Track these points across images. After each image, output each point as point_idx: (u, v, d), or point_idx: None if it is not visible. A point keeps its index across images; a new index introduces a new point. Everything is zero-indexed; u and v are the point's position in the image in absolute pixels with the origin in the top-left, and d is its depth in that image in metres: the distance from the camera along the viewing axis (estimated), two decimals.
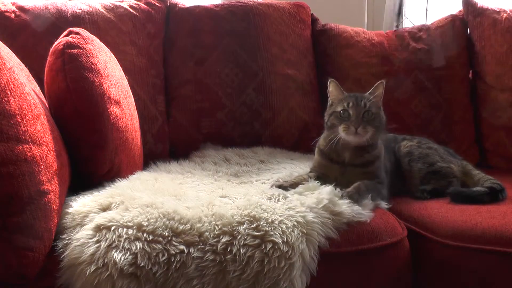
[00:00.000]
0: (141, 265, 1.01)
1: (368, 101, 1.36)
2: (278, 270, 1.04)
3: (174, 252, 1.03)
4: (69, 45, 1.25)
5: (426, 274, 1.26)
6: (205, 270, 1.02)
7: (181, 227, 1.07)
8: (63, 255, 1.04)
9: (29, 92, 1.09)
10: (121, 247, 1.02)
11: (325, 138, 1.44)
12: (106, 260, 1.01)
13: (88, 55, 1.27)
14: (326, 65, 2.03)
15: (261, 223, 1.09)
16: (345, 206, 1.22)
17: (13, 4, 1.73)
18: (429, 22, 2.23)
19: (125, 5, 1.86)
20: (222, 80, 1.88)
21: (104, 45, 1.44)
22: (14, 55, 1.21)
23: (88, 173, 1.30)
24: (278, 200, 1.23)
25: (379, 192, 1.36)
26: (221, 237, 1.06)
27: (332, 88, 1.43)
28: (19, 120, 1.01)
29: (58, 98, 1.26)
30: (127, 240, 1.03)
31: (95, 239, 1.04)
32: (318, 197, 1.23)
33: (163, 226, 1.07)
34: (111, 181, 1.31)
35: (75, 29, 1.32)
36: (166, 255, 1.03)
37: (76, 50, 1.25)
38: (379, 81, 1.40)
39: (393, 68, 1.99)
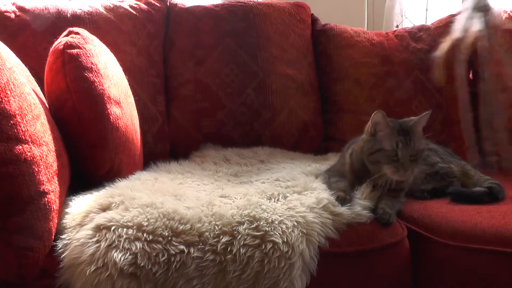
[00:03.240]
0: (141, 265, 1.01)
1: (417, 140, 1.31)
2: (278, 270, 1.04)
3: (174, 252, 1.03)
4: (69, 45, 1.25)
5: (426, 274, 1.26)
6: (205, 270, 1.03)
7: (181, 227, 1.07)
8: (63, 255, 1.04)
9: (29, 92, 1.09)
10: (121, 247, 1.02)
11: (358, 162, 1.38)
12: (106, 260, 1.01)
13: (88, 55, 1.27)
14: (326, 65, 2.03)
15: (261, 223, 1.09)
16: (345, 207, 1.22)
17: (13, 4, 1.73)
18: (429, 22, 2.23)
19: (125, 5, 1.86)
20: (222, 80, 1.87)
21: (104, 45, 1.44)
22: (14, 55, 1.21)
23: (88, 173, 1.30)
24: (278, 200, 1.23)
25: (398, 208, 1.34)
26: (221, 237, 1.06)
27: (379, 119, 1.32)
28: (19, 120, 1.01)
29: (58, 98, 1.26)
30: (127, 240, 1.03)
31: (95, 239, 1.04)
32: (318, 197, 1.23)
33: (163, 226, 1.07)
34: (111, 181, 1.31)
35: (75, 29, 1.32)
36: (166, 255, 1.03)
37: (76, 50, 1.25)
38: (426, 112, 1.33)
39: (393, 68, 1.99)
